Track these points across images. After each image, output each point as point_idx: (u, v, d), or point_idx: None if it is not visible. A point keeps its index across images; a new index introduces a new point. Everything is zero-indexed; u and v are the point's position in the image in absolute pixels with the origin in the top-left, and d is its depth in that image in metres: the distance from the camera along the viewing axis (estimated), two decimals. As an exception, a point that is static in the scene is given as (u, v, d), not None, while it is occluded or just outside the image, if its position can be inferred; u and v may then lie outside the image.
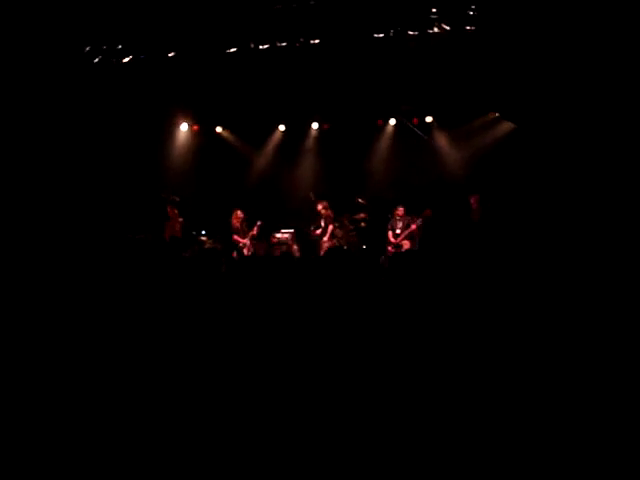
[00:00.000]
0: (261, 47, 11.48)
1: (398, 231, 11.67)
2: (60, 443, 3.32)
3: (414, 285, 5.71)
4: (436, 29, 11.10)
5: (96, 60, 11.49)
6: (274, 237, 12.28)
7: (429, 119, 12.75)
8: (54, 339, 4.60)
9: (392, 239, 11.72)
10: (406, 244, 11.54)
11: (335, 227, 11.85)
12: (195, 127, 13.54)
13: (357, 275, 5.85)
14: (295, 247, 12.21)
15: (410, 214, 11.65)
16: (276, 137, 13.42)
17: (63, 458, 3.20)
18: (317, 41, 11.42)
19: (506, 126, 12.22)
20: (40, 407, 3.68)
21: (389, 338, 4.50)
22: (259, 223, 11.96)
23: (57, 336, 4.65)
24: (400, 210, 11.72)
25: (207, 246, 12.02)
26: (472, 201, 11.34)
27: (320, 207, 11.88)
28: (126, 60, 11.60)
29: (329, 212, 11.86)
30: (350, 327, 4.68)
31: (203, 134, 13.45)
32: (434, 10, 10.91)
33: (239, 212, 12.04)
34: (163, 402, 3.73)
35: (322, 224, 11.87)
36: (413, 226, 11.46)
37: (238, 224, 12.02)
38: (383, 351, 4.32)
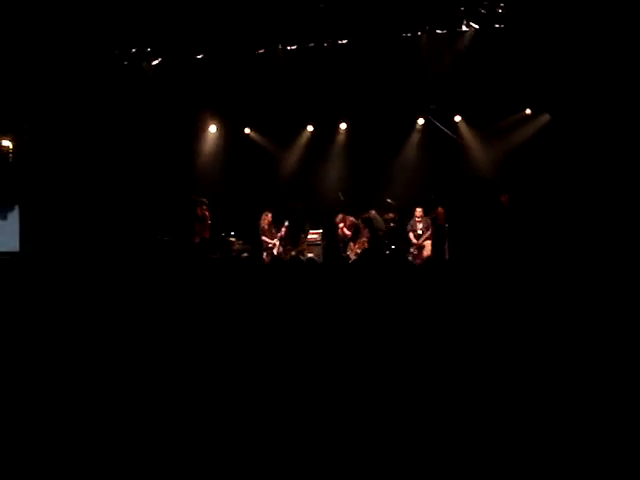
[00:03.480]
0: (289, 48, 11.52)
1: (420, 232, 11.66)
2: (61, 440, 3.32)
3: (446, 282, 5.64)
4: (465, 27, 11.04)
5: (125, 63, 11.62)
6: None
7: (458, 118, 12.62)
8: (77, 338, 4.62)
9: (414, 240, 11.68)
10: (428, 245, 11.54)
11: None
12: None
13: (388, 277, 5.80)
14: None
15: (428, 214, 11.65)
16: (304, 137, 13.36)
17: (63, 458, 3.20)
18: (345, 41, 11.42)
19: (537, 124, 12.06)
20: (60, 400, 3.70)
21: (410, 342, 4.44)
22: (287, 224, 11.95)
23: (80, 335, 4.67)
24: (418, 211, 11.68)
25: (236, 247, 12.04)
26: (503, 200, 11.27)
27: (339, 222, 11.78)
28: (155, 62, 11.71)
29: (351, 219, 11.78)
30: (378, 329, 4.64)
31: (232, 135, 13.47)
32: (462, 9, 10.84)
33: (269, 214, 12.06)
34: (191, 404, 3.72)
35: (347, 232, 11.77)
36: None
37: (266, 226, 12.03)
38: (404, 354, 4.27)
